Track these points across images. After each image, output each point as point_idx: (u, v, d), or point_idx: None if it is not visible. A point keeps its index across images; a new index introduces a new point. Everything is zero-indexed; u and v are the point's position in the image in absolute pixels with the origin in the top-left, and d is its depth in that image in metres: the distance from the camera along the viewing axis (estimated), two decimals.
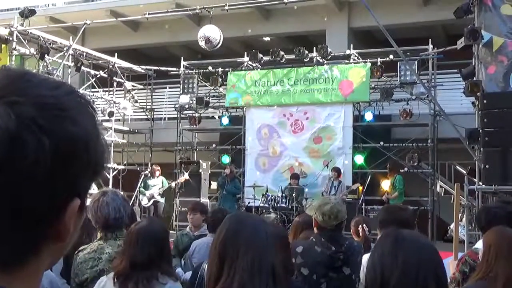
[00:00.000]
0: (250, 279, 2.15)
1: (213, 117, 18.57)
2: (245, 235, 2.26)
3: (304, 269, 3.81)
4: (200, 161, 15.93)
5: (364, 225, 4.98)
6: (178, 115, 17.89)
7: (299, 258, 3.86)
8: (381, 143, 15.04)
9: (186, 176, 15.05)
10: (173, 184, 15.03)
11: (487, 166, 9.57)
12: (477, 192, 10.07)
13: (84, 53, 17.42)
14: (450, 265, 4.27)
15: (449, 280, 4.08)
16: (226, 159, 16.39)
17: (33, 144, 0.76)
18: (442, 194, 14.80)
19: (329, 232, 3.96)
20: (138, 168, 17.43)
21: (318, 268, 3.82)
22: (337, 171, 13.78)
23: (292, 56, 15.81)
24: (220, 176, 15.13)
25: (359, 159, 15.11)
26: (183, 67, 17.67)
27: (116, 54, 18.21)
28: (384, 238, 2.15)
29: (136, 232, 3.25)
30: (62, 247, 0.86)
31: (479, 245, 4.12)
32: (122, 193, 3.91)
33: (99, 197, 3.68)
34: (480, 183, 9.92)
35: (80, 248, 3.74)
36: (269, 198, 13.49)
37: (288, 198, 13.36)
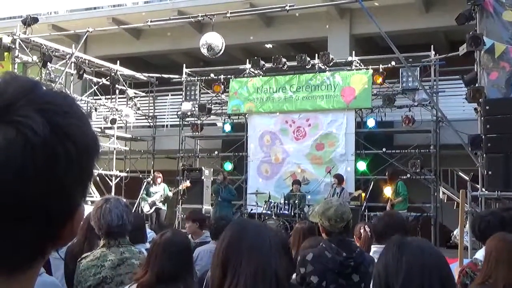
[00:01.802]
0: (254, 286, 2.14)
1: (215, 124, 18.57)
2: (248, 242, 2.25)
3: (314, 277, 3.77)
4: (203, 168, 15.92)
5: (366, 226, 4.95)
6: (181, 122, 17.91)
7: (310, 266, 3.80)
8: (384, 149, 15.01)
9: (187, 183, 15.00)
10: (170, 194, 14.89)
11: (489, 172, 9.56)
12: (480, 198, 10.06)
13: (87, 61, 17.45)
14: (456, 272, 4.26)
15: None
16: (228, 166, 16.37)
17: (64, 154, 0.78)
18: (445, 201, 14.79)
19: (339, 236, 3.92)
20: (141, 175, 17.43)
21: (328, 274, 3.78)
22: (337, 178, 13.76)
23: (294, 63, 15.82)
24: (215, 183, 15.07)
25: (362, 165, 15.09)
26: (185, 74, 17.69)
27: (118, 62, 18.26)
28: (388, 244, 2.14)
29: (162, 243, 3.21)
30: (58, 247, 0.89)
31: (479, 255, 4.12)
32: (124, 200, 3.90)
33: (102, 204, 3.67)
34: (483, 189, 9.90)
35: (83, 256, 3.74)
36: (271, 205, 13.48)
37: (290, 204, 13.34)
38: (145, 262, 3.23)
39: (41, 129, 0.76)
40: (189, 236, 7.00)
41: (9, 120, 0.76)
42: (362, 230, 4.87)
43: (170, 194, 14.88)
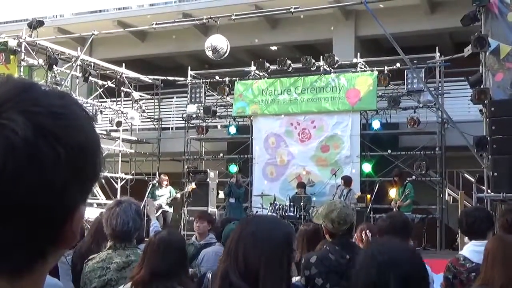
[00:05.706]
0: None
1: (224, 127, 18.54)
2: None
3: (318, 279, 3.80)
4: (208, 170, 15.94)
5: (367, 230, 4.97)
6: (186, 125, 17.93)
7: (314, 269, 3.83)
8: (389, 151, 15.00)
9: (193, 185, 15.00)
10: (178, 195, 14.93)
11: (495, 174, 9.54)
12: (485, 200, 10.03)
13: (92, 64, 17.51)
14: None
15: None
16: (233, 168, 16.37)
17: (50, 154, 0.77)
18: (451, 202, 14.75)
19: (342, 239, 3.96)
20: (146, 178, 17.45)
21: (331, 276, 3.81)
22: (345, 179, 13.73)
23: (299, 65, 15.81)
24: (225, 186, 15.08)
25: (367, 167, 15.07)
26: (191, 76, 17.71)
27: (123, 64, 18.29)
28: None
29: (157, 241, 3.27)
30: (63, 251, 0.88)
31: (464, 251, 4.17)
32: (137, 203, 3.85)
33: (112, 207, 3.68)
34: (489, 191, 9.88)
35: (90, 257, 3.76)
36: (276, 207, 13.46)
37: (295, 207, 13.34)
38: (140, 260, 3.28)
39: (23, 130, 0.75)
40: (194, 238, 7.04)
41: None
42: (363, 235, 4.89)
43: (178, 195, 14.89)
